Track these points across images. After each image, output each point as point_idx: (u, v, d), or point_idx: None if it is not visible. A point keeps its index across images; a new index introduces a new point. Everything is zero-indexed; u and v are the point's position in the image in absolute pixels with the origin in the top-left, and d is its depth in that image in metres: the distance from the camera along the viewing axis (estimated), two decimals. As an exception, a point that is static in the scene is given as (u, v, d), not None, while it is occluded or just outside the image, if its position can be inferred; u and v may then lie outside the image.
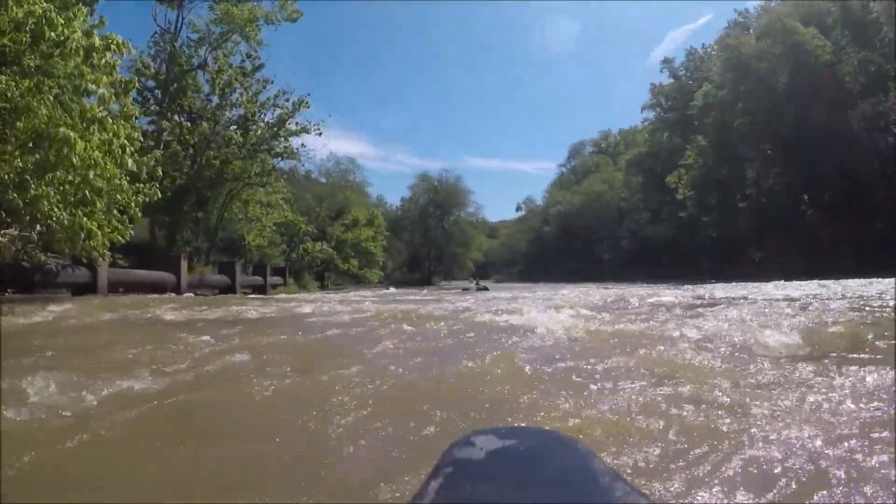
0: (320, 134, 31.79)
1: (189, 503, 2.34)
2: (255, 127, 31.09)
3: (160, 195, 15.47)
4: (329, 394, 3.74)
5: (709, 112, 52.34)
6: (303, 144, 31.92)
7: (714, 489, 2.29)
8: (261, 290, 33.08)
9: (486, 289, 39.17)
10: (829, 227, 42.43)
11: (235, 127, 31.81)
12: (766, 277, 32.07)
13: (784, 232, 46.08)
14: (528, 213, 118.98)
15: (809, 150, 43.52)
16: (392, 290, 39.12)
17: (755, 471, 2.44)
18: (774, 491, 2.26)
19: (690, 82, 67.35)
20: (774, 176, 47.95)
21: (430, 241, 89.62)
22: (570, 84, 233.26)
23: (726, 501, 2.20)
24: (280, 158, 32.26)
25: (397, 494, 2.29)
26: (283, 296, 24.71)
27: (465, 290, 38.34)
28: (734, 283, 28.05)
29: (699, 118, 56.22)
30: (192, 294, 22.89)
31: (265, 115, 32.18)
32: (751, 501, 2.19)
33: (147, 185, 14.38)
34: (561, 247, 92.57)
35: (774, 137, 46.45)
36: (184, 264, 23.95)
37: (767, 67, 46.17)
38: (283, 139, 31.50)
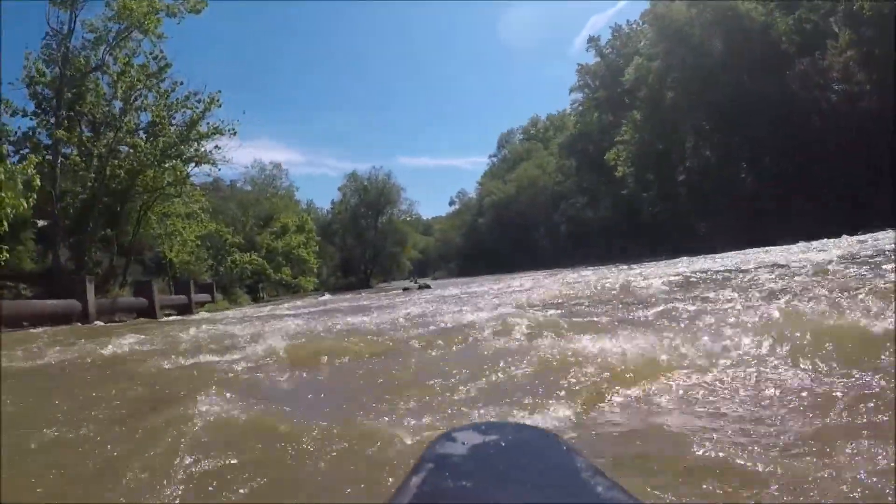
0: (235, 133, 29.08)
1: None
2: (163, 132, 28.24)
3: (27, 205, 12.73)
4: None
5: (642, 85, 51.33)
6: (216, 146, 29.08)
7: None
8: (185, 309, 30.41)
9: (427, 287, 37.05)
10: (770, 192, 41.89)
11: (145, 134, 28.96)
12: (712, 249, 31.38)
13: (725, 201, 45.51)
14: (462, 207, 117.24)
15: (746, 115, 42.79)
16: (327, 296, 36.71)
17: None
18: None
19: (619, 60, 66.67)
20: (712, 146, 47.33)
21: (364, 243, 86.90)
22: (496, 76, 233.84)
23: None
24: (194, 164, 29.45)
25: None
26: (204, 315, 22.20)
27: (406, 290, 36.30)
28: (697, 257, 26.57)
29: (632, 93, 55.41)
30: (100, 322, 20.24)
31: (175, 118, 29.44)
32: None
33: (9, 193, 11.72)
34: (496, 237, 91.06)
35: (710, 106, 45.70)
36: (90, 288, 21.23)
37: (700, 35, 45.31)
38: (194, 142, 28.62)
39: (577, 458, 0.76)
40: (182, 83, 29.13)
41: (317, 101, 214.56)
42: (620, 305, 8.78)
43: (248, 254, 47.47)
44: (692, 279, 12.53)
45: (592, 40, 74.42)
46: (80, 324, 19.71)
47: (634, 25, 68.32)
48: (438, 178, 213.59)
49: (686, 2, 47.56)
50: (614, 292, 11.46)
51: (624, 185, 56.78)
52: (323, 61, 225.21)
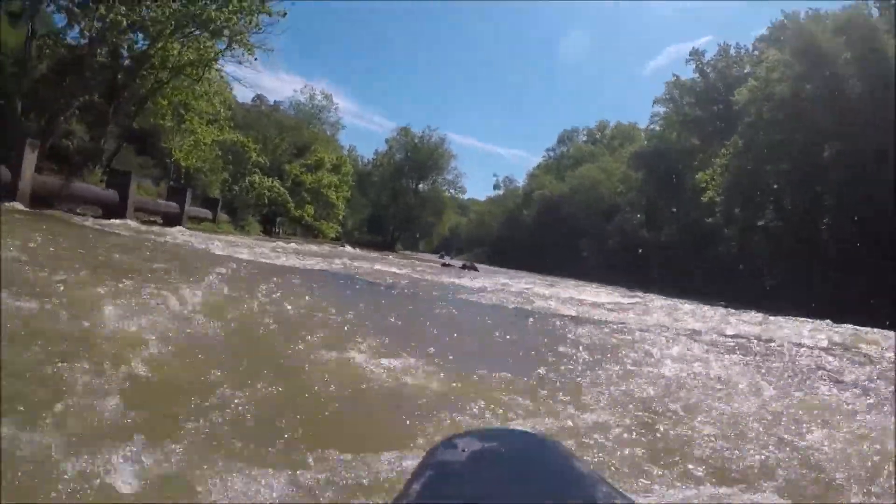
0: (284, 15, 22.88)
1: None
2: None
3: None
4: None
5: (752, 107, 44.26)
6: (257, 26, 22.72)
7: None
8: (174, 219, 24.75)
9: (474, 268, 31.00)
10: (862, 258, 34.80)
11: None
12: (771, 309, 25.84)
13: (800, 257, 38.98)
14: (507, 193, 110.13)
15: (869, 170, 35.82)
16: (348, 248, 30.81)
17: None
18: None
19: (718, 82, 60.39)
20: (794, 193, 40.60)
21: (398, 203, 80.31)
22: (559, 80, 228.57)
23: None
24: (228, 43, 23.18)
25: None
26: (180, 229, 16.16)
27: (446, 266, 30.40)
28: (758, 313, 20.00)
29: (732, 118, 48.88)
30: (21, 204, 14.35)
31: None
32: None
33: None
34: (539, 234, 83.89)
35: (830, 147, 38.51)
36: (30, 157, 15.18)
37: (844, 69, 38.04)
38: (226, 12, 21.94)
39: (579, 465, 0.75)
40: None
41: (379, 56, 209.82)
42: None
43: (271, 179, 41.46)
44: None
45: (695, 53, 66.99)
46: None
47: (742, 51, 63.25)
48: (481, 162, 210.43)
49: (830, 27, 40.19)
50: None
51: (700, 212, 50.19)
52: (394, 20, 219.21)
